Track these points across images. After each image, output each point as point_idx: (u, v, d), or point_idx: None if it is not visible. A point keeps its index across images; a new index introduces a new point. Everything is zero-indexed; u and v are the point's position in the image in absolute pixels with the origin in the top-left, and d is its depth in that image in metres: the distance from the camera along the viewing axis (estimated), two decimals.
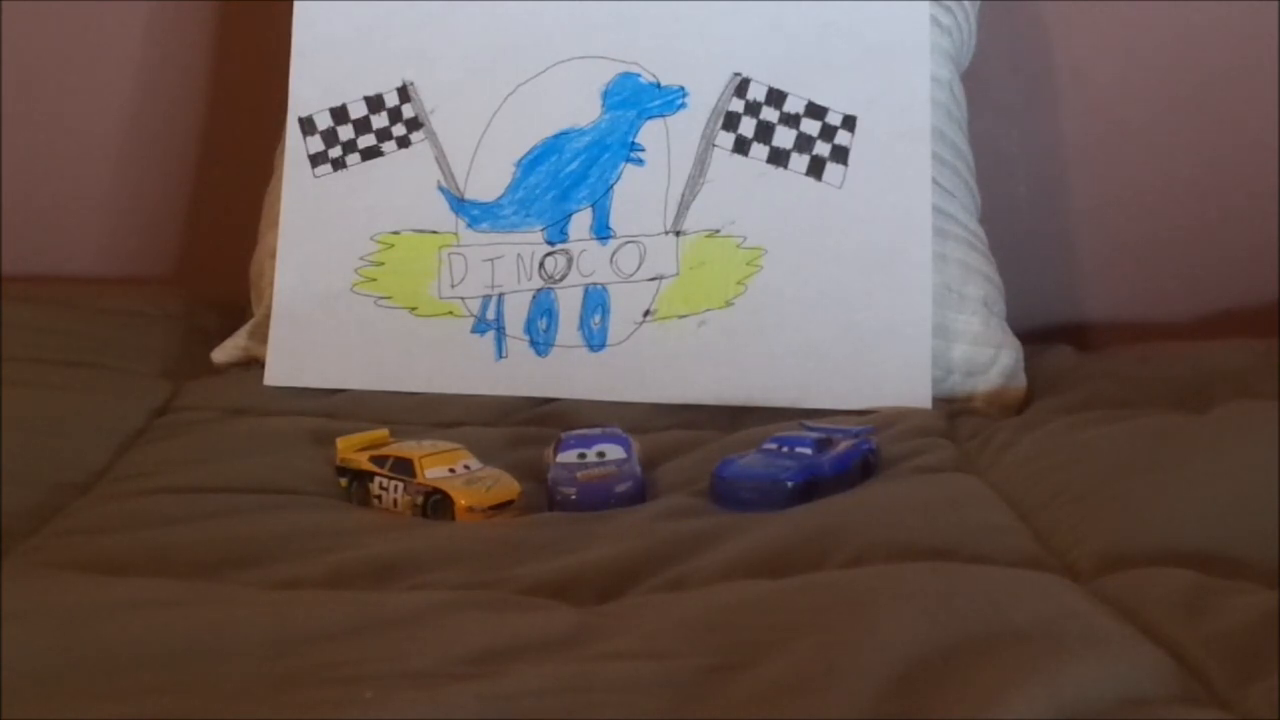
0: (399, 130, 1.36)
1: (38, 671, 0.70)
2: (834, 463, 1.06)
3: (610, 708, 0.68)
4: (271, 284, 1.35)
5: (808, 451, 1.06)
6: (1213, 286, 1.62)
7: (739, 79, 1.34)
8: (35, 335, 1.37)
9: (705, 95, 1.35)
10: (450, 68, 1.36)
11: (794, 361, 1.30)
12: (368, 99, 1.36)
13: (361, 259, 1.34)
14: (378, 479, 1.05)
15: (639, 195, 1.34)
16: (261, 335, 1.35)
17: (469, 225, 1.34)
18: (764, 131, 1.34)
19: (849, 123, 1.33)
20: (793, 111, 1.34)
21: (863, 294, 1.31)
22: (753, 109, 1.34)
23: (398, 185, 1.35)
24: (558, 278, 1.33)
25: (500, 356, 1.32)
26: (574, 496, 1.04)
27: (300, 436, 1.17)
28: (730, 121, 1.34)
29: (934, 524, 0.95)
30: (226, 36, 1.66)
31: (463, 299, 1.34)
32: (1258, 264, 1.59)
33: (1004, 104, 1.60)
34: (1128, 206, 1.62)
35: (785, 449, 1.07)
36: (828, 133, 1.33)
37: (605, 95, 1.35)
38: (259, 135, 1.50)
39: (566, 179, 1.34)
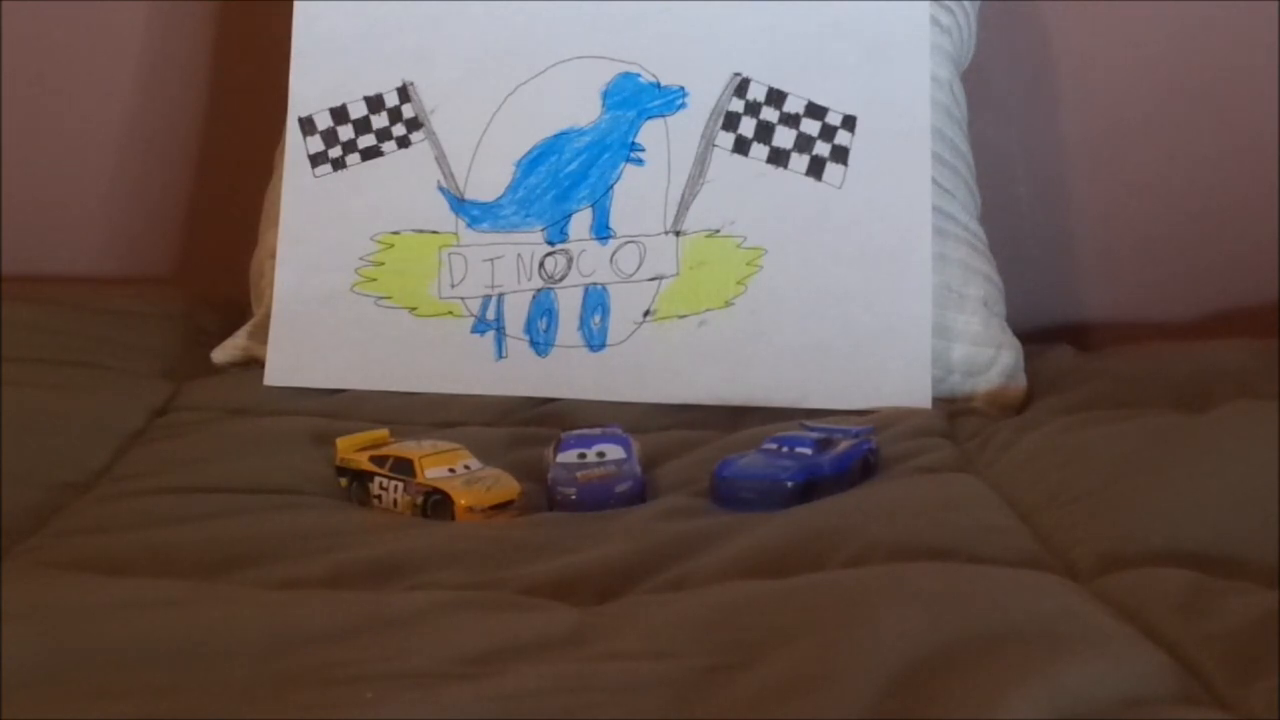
0: (399, 130, 1.36)
1: (38, 671, 0.70)
2: (834, 463, 1.06)
3: (610, 708, 0.68)
4: (271, 284, 1.35)
5: (808, 451, 1.06)
6: (1213, 286, 1.62)
7: (739, 79, 1.34)
8: (35, 335, 1.36)
9: (705, 95, 1.35)
10: (450, 68, 1.36)
11: (794, 361, 1.30)
12: (368, 99, 1.36)
13: (361, 259, 1.34)
14: (378, 479, 1.05)
15: (639, 195, 1.34)
16: (261, 335, 1.35)
17: (469, 225, 1.34)
18: (764, 131, 1.34)
19: (849, 123, 1.33)
20: (793, 111, 1.34)
21: (863, 294, 1.31)
22: (753, 109, 1.34)
23: (398, 185, 1.35)
24: (558, 278, 1.33)
25: (500, 356, 1.32)
26: (574, 496, 1.04)
27: (300, 436, 1.17)
28: (730, 121, 1.34)
29: (934, 524, 0.95)
30: (226, 36, 1.66)
31: (463, 299, 1.34)
32: (1258, 264, 1.59)
33: (1004, 104, 1.60)
34: (1128, 206, 1.62)
35: (785, 449, 1.07)
36: (828, 133, 1.33)
37: (605, 95, 1.35)
38: (259, 135, 1.50)
39: (566, 179, 1.34)
